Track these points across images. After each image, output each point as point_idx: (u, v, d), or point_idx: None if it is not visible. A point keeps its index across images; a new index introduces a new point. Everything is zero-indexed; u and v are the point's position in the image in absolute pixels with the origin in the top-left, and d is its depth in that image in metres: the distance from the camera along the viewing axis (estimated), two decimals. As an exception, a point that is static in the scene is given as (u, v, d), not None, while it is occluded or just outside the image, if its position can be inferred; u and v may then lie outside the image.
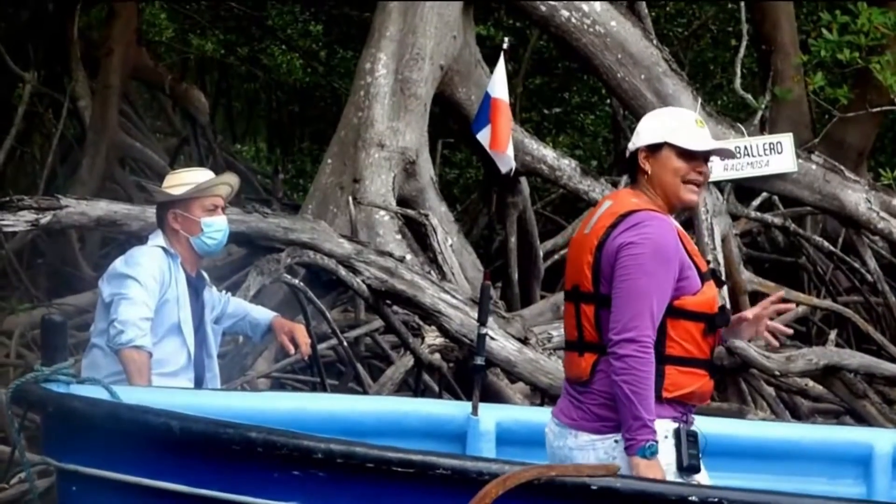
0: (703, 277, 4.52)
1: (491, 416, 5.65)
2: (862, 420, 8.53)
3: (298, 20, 19.73)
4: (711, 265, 4.70)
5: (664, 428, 4.42)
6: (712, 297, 4.58)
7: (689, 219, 10.10)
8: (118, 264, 5.90)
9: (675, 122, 4.64)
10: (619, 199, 4.56)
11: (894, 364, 9.50)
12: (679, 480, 4.36)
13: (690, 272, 4.47)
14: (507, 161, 9.53)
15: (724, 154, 5.06)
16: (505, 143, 9.34)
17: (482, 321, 5.64)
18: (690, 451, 4.42)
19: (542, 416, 5.13)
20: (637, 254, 4.34)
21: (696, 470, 4.43)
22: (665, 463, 4.38)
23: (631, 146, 4.65)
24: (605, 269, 4.40)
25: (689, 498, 4.12)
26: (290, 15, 19.49)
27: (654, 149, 4.59)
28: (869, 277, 11.68)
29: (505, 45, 9.74)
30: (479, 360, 5.70)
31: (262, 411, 5.25)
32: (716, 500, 4.13)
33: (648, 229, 4.38)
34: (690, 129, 4.61)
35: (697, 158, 4.60)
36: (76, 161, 13.91)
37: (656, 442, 4.33)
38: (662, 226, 4.43)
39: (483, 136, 9.46)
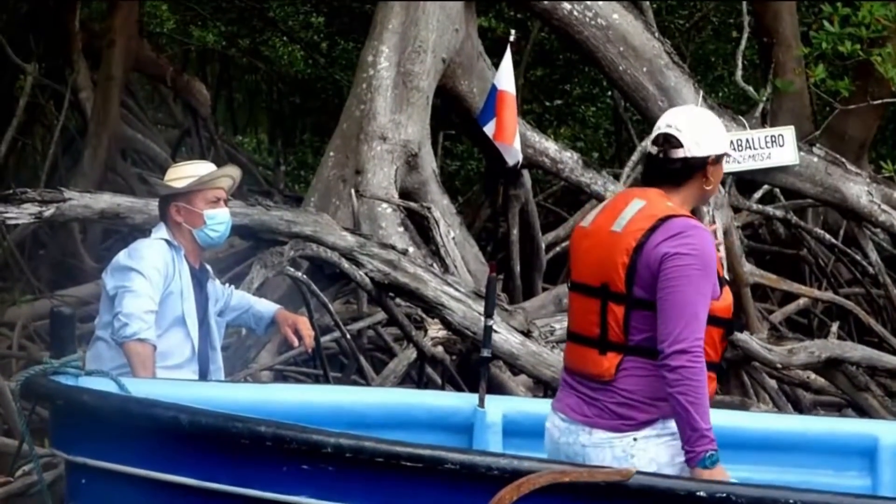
0: (721, 282, 4.53)
1: (497, 407, 5.63)
2: (864, 412, 8.56)
3: (300, 12, 19.73)
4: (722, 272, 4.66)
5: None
6: (731, 302, 4.59)
7: (691, 211, 10.09)
8: (122, 257, 5.91)
9: (723, 130, 4.65)
10: (652, 201, 4.48)
11: (896, 357, 9.54)
12: (687, 476, 4.37)
13: (715, 278, 4.47)
14: (514, 153, 9.60)
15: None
16: (512, 135, 9.39)
17: (489, 313, 5.64)
18: None
19: (547, 407, 5.12)
20: (685, 265, 4.32)
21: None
22: (678, 462, 4.41)
23: (694, 151, 4.51)
24: (642, 272, 4.37)
25: (698, 493, 4.12)
26: (292, 6, 19.49)
27: (719, 158, 4.57)
28: (870, 270, 11.70)
29: (511, 38, 9.80)
30: (486, 352, 5.70)
31: (269, 404, 5.24)
32: (723, 494, 4.13)
33: (694, 240, 4.36)
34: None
35: None
36: (78, 153, 13.90)
37: (716, 451, 4.33)
38: (706, 237, 4.42)
39: (490, 129, 9.52)
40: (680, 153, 4.51)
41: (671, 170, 4.53)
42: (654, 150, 4.57)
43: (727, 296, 4.55)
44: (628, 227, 4.42)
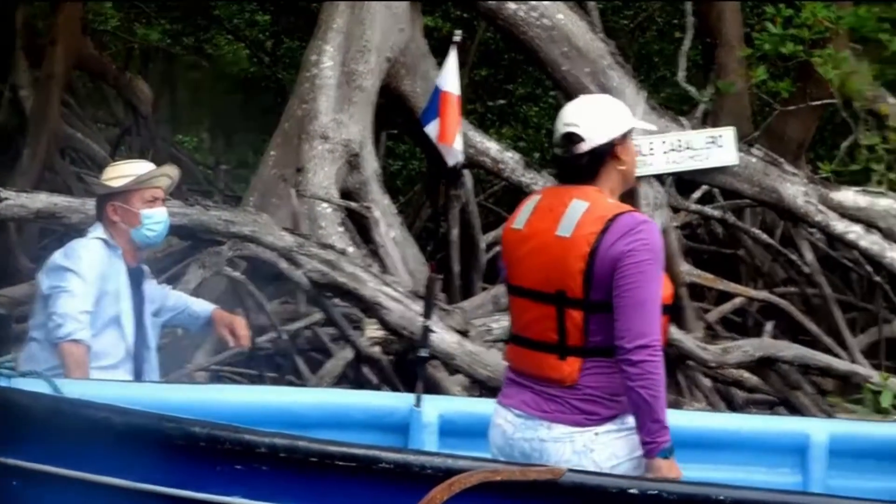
0: None
1: (434, 407, 5.65)
2: (796, 411, 8.64)
3: (245, 10, 19.69)
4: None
5: (635, 423, 4.47)
6: (671, 287, 4.65)
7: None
8: (57, 257, 5.89)
9: (623, 109, 4.65)
10: (594, 200, 4.47)
11: (829, 355, 9.64)
12: (629, 475, 4.41)
13: None
14: (455, 154, 9.60)
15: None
16: (453, 136, 9.38)
17: (427, 314, 5.67)
18: None
19: (484, 407, 5.14)
20: (640, 261, 4.34)
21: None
22: (636, 456, 4.47)
23: (597, 139, 4.52)
24: (600, 276, 4.38)
25: (629, 490, 4.16)
26: (237, 5, 19.45)
27: (625, 137, 4.58)
28: (806, 269, 11.79)
29: (456, 39, 9.80)
30: (424, 352, 5.72)
31: (204, 404, 5.24)
32: (655, 492, 4.17)
33: (644, 235, 4.38)
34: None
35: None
36: (16, 151, 13.82)
37: (672, 442, 4.40)
38: (654, 229, 4.45)
39: (431, 129, 9.51)
40: (584, 147, 4.51)
41: (582, 165, 4.53)
42: (559, 151, 4.58)
43: (667, 281, 4.61)
44: (578, 232, 4.41)
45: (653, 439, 4.38)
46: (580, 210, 4.45)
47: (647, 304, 4.36)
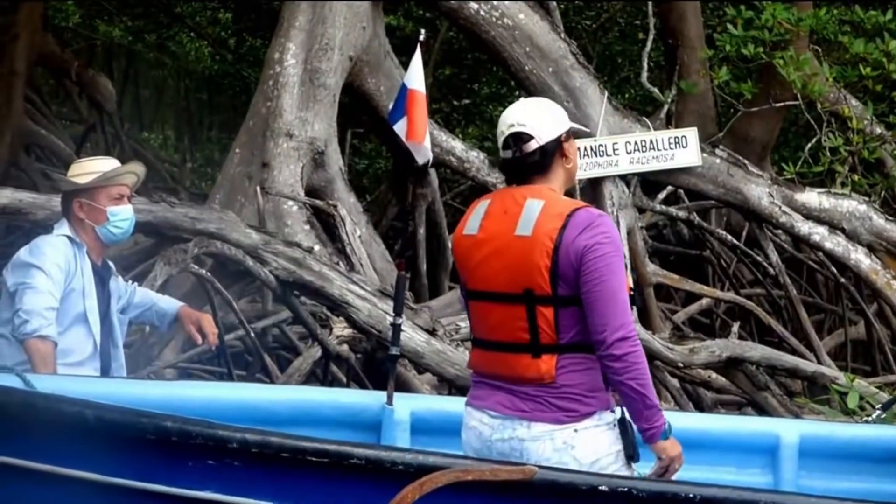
0: None
1: (405, 405, 5.63)
2: (763, 411, 8.68)
3: (207, 7, 19.63)
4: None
5: (611, 417, 4.51)
6: (629, 277, 4.68)
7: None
8: (23, 254, 5.86)
9: (558, 107, 4.73)
10: (549, 198, 4.51)
11: (795, 356, 9.68)
12: (618, 473, 4.43)
13: None
14: (424, 152, 9.59)
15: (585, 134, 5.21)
16: (422, 133, 9.38)
17: (397, 311, 5.63)
18: (633, 441, 4.52)
19: (456, 405, 5.13)
20: (604, 254, 4.39)
21: (637, 458, 4.53)
22: (615, 450, 4.49)
23: (545, 137, 4.57)
24: (565, 271, 4.40)
25: (600, 488, 4.17)
26: (199, 2, 19.39)
27: (569, 135, 4.64)
28: (771, 271, 11.86)
29: (421, 38, 9.79)
30: (395, 350, 5.69)
31: (175, 400, 5.21)
32: (625, 489, 4.18)
33: (604, 228, 4.43)
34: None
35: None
36: (-20, 148, 13.74)
37: (669, 422, 4.49)
38: (610, 221, 4.52)
39: (400, 128, 9.50)
40: (533, 144, 4.56)
41: (532, 163, 4.57)
42: (508, 154, 4.61)
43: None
44: (539, 230, 4.43)
45: (651, 425, 4.45)
46: (537, 208, 4.48)
47: (619, 295, 4.41)
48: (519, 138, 4.56)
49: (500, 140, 4.63)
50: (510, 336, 4.54)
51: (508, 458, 4.47)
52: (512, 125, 4.58)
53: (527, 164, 4.57)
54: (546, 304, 4.45)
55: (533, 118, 4.59)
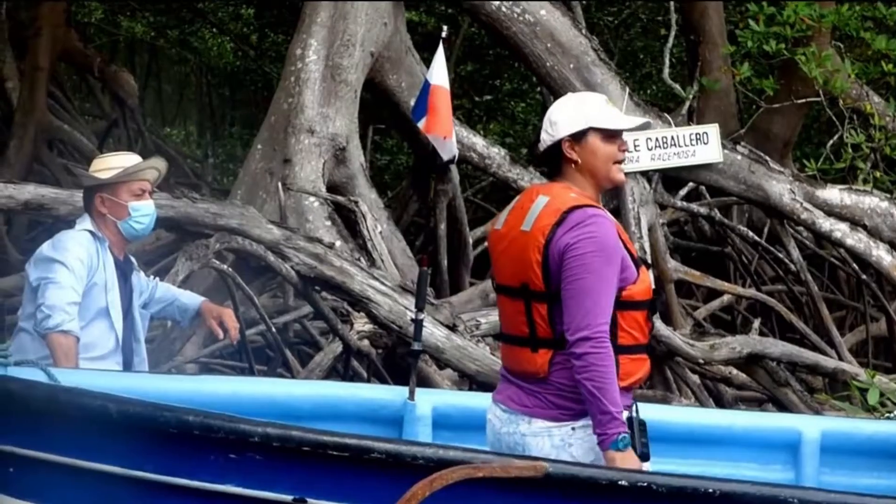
0: (636, 264, 4.59)
1: (427, 400, 5.64)
2: (784, 408, 8.66)
3: (229, 3, 19.66)
4: (637, 254, 4.72)
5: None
6: (649, 282, 4.67)
7: (616, 207, 10.20)
8: (45, 248, 5.89)
9: (589, 106, 4.66)
10: (555, 195, 4.55)
11: (816, 353, 9.67)
12: (607, 466, 4.41)
13: (629, 262, 4.53)
14: (449, 148, 9.57)
15: (644, 127, 5.16)
16: (448, 129, 9.35)
17: (419, 307, 5.64)
18: (642, 440, 4.48)
19: (478, 400, 5.16)
20: (582, 253, 4.39)
21: (647, 458, 4.49)
22: None
23: (548, 139, 4.61)
24: (553, 267, 4.44)
25: (619, 482, 4.16)
26: (221, -2, 19.43)
27: (578, 137, 4.60)
28: (793, 267, 11.82)
29: (443, 34, 9.78)
30: (417, 346, 5.70)
31: (195, 394, 5.23)
32: (644, 484, 4.17)
33: (590, 227, 4.42)
34: (607, 109, 4.67)
35: (619, 137, 4.66)
36: (3, 143, 13.78)
37: (627, 433, 4.39)
38: (604, 223, 4.47)
39: (423, 124, 9.48)
40: (541, 146, 4.64)
41: (545, 161, 4.67)
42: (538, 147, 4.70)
43: (644, 276, 4.62)
44: (536, 225, 4.49)
45: (603, 430, 4.39)
46: (541, 204, 4.53)
47: (590, 295, 4.39)
48: (538, 135, 4.65)
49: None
50: (515, 329, 4.63)
51: (514, 451, 4.52)
52: (546, 118, 4.67)
53: (542, 160, 4.67)
54: (540, 300, 4.50)
55: (549, 115, 4.65)
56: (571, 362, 4.43)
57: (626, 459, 4.37)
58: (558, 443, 4.49)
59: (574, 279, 4.40)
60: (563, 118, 4.62)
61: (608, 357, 4.39)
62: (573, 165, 4.61)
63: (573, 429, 4.49)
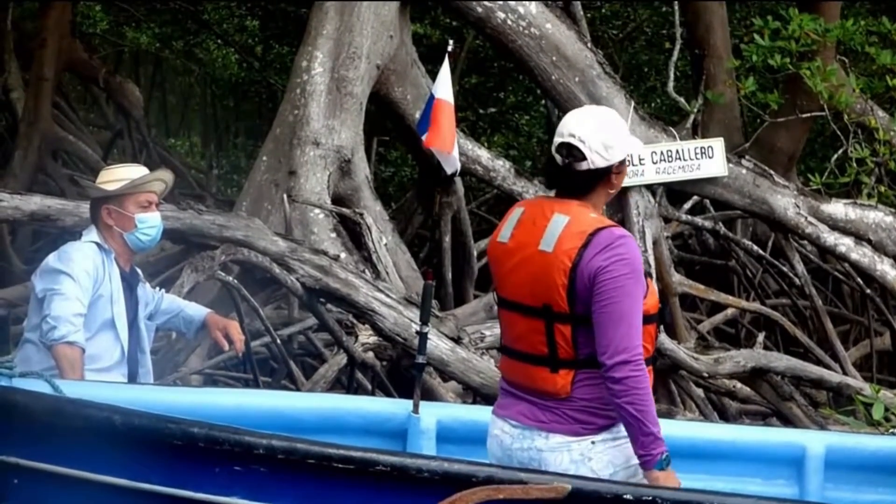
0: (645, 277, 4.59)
1: (432, 414, 5.63)
2: (789, 422, 8.65)
3: (234, 15, 19.69)
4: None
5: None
6: (657, 294, 4.66)
7: (620, 220, 10.19)
8: (51, 260, 5.89)
9: (625, 131, 4.59)
10: (575, 215, 4.48)
11: (820, 367, 9.66)
12: (626, 481, 4.42)
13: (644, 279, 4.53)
14: (452, 162, 9.57)
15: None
16: (450, 143, 9.36)
17: (424, 320, 5.63)
18: None
19: (482, 414, 5.14)
20: (616, 276, 4.36)
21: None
22: (634, 464, 4.48)
23: (601, 162, 4.49)
24: (581, 291, 4.39)
25: (624, 497, 4.17)
26: (227, 9, 19.44)
27: (623, 162, 4.57)
28: (797, 281, 11.81)
29: (449, 48, 9.78)
30: (421, 358, 5.69)
31: (200, 407, 5.23)
32: (650, 498, 4.18)
33: (621, 249, 4.39)
34: (631, 135, 4.66)
35: None
36: (8, 153, 13.80)
37: (668, 452, 4.41)
38: (632, 244, 4.46)
39: (425, 138, 9.49)
40: (584, 165, 4.50)
41: (577, 181, 4.54)
42: (558, 158, 4.55)
43: (653, 289, 4.63)
44: (560, 247, 4.43)
45: (647, 451, 4.40)
46: (561, 224, 4.47)
47: (626, 318, 4.38)
48: (572, 153, 4.50)
49: (556, 143, 4.56)
50: (531, 348, 4.57)
51: (528, 467, 4.48)
52: (572, 135, 4.50)
53: (572, 179, 4.54)
54: (564, 322, 4.46)
55: (594, 137, 4.49)
56: (599, 380, 4.41)
57: (669, 478, 4.40)
58: (577, 457, 4.48)
59: (609, 302, 4.37)
60: (618, 143, 4.53)
61: (646, 379, 4.41)
62: (608, 190, 4.59)
63: (593, 443, 4.49)
